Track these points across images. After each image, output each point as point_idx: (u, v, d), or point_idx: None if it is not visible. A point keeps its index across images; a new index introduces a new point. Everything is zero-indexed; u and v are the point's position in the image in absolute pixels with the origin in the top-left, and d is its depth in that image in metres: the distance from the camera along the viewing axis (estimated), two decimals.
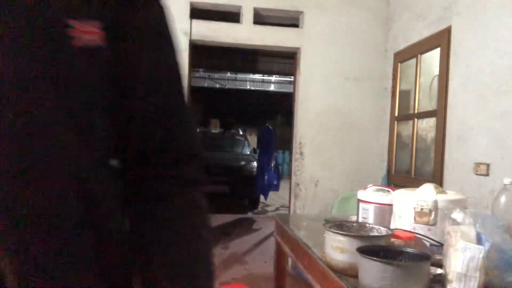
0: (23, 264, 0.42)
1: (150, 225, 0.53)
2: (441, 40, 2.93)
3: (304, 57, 3.85)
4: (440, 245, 1.42)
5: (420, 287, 1.13)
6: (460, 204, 1.52)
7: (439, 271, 1.31)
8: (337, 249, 1.36)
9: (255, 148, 8.88)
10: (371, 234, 1.48)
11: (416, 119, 3.35)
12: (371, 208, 1.87)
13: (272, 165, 6.79)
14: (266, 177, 6.67)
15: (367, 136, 3.93)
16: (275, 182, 6.78)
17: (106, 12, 0.48)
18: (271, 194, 7.12)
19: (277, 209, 8.06)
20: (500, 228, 1.24)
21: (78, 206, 0.46)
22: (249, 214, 7.29)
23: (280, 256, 2.52)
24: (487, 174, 2.36)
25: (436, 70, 3.07)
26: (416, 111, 3.36)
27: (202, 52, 7.37)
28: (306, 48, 3.85)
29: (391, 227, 1.64)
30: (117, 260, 0.51)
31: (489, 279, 1.18)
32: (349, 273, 1.33)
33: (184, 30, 3.68)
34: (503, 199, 1.46)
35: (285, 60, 8.52)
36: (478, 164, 2.44)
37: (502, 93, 2.30)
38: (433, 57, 3.14)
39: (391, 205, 1.76)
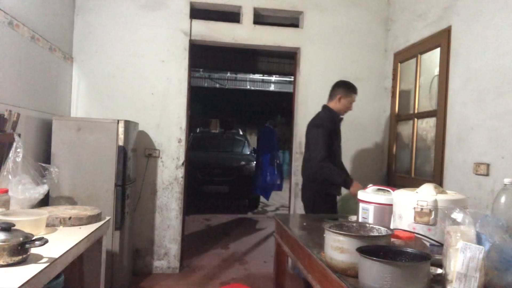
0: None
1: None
2: (441, 40, 2.93)
3: (304, 57, 3.85)
4: (440, 245, 1.42)
5: (420, 287, 1.13)
6: (460, 204, 1.52)
7: (439, 271, 1.31)
8: (337, 249, 1.36)
9: (255, 148, 8.87)
10: (371, 234, 1.48)
11: (416, 119, 3.35)
12: (371, 208, 1.87)
13: (275, 164, 6.78)
14: (268, 177, 6.66)
15: (367, 136, 3.93)
16: (278, 182, 6.77)
17: None
18: (272, 194, 7.11)
19: (277, 209, 8.07)
20: (500, 228, 1.24)
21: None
22: (249, 214, 7.29)
23: (280, 256, 2.52)
24: (487, 174, 2.36)
25: (436, 70, 3.06)
26: (416, 111, 3.36)
27: (202, 52, 7.36)
28: (306, 48, 3.85)
29: (391, 227, 1.64)
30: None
31: (489, 279, 1.18)
32: (349, 273, 1.33)
33: (184, 30, 3.68)
34: (503, 199, 1.46)
35: (285, 60, 8.51)
36: (478, 164, 2.44)
37: (502, 93, 2.30)
38: (433, 57, 3.14)
39: (391, 205, 1.76)
